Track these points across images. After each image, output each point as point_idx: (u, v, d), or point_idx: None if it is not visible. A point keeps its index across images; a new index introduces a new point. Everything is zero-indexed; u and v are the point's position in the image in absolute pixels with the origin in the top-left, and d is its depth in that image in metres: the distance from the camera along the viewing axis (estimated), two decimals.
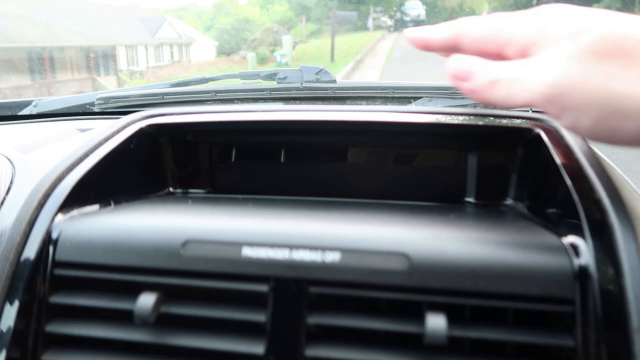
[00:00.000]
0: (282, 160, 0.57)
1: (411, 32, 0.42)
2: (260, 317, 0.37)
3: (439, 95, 0.89)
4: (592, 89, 0.31)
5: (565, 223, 0.39)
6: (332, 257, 0.36)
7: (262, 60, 12.03)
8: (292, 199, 0.52)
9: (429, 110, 0.52)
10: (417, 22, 17.37)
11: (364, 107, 0.57)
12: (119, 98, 0.96)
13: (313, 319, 0.36)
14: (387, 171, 0.55)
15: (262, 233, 0.37)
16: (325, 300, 0.37)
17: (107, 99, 0.96)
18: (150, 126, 0.53)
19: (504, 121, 0.50)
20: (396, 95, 0.89)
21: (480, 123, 0.50)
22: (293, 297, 0.36)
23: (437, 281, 0.35)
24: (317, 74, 0.92)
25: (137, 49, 17.78)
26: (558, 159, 0.43)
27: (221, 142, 0.57)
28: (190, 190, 0.56)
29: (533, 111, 0.52)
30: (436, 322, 0.34)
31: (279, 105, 0.74)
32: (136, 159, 0.52)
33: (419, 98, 0.88)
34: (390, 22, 17.47)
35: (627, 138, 0.31)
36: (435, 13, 21.03)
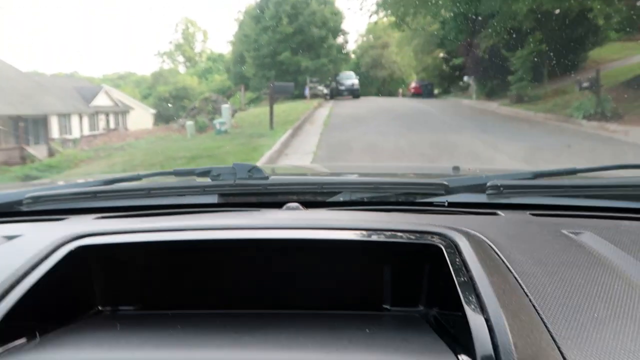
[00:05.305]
0: (213, 271, 0.60)
1: None
2: None
3: (363, 190, 0.95)
4: None
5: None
6: None
7: (201, 129, 12.08)
8: (220, 314, 0.54)
9: (348, 226, 0.57)
10: (352, 91, 18.24)
11: (292, 217, 0.61)
12: (50, 197, 0.96)
13: None
14: (315, 281, 0.58)
15: None
16: None
17: (36, 199, 0.95)
18: (80, 248, 0.54)
19: (412, 237, 0.56)
20: (325, 191, 0.94)
21: (393, 240, 0.55)
22: None
23: None
24: (249, 171, 0.97)
25: (70, 117, 17.37)
26: (454, 275, 0.49)
27: (153, 258, 0.59)
28: (120, 308, 0.57)
29: (439, 226, 0.58)
30: None
31: (216, 218, 0.76)
32: (64, 281, 0.53)
33: (343, 192, 0.94)
34: (326, 91, 18.20)
35: None
36: (368, 82, 22.18)
